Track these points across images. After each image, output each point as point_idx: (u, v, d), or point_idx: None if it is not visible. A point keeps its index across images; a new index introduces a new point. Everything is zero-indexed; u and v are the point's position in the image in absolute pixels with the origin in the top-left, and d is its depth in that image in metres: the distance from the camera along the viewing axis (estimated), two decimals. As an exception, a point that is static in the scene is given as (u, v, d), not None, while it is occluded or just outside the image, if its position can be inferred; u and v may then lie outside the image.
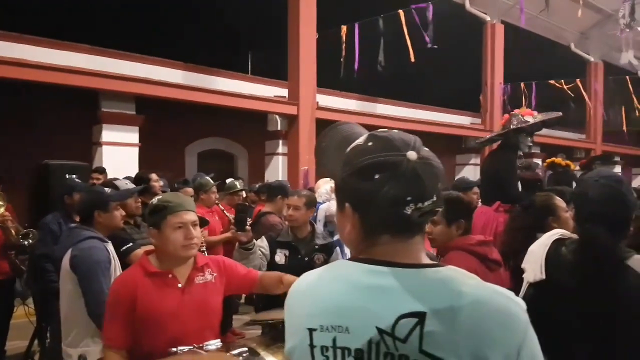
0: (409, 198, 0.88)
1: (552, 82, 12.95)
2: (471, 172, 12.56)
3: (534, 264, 1.73)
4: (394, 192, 0.88)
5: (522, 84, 13.04)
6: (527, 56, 13.57)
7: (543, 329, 1.96)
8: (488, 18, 12.62)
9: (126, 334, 1.87)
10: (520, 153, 3.99)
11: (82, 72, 7.06)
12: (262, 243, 3.05)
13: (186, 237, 1.91)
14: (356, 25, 9.34)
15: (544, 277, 1.68)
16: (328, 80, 10.14)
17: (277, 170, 9.66)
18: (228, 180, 5.37)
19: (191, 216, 1.95)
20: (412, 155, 0.90)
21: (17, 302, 4.32)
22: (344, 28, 9.41)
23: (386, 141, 0.93)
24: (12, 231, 3.81)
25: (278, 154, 9.80)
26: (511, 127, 3.99)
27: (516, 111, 4.14)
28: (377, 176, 0.89)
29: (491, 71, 12.88)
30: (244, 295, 5.22)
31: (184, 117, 8.94)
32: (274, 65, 10.16)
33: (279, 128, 9.43)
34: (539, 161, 11.60)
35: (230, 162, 10.67)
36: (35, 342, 4.09)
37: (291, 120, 9.30)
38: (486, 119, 13.05)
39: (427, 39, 9.07)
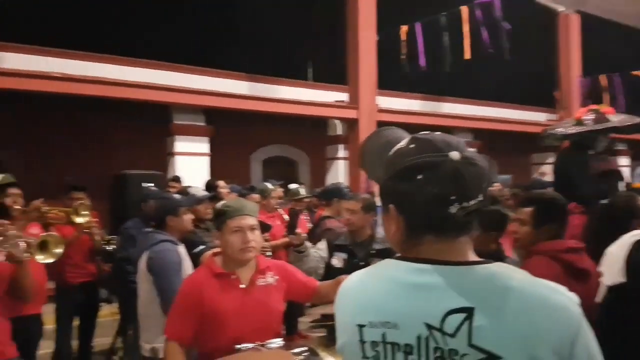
0: (452, 197, 0.90)
1: (636, 73, 12.02)
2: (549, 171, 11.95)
3: (612, 267, 1.64)
4: (436, 191, 0.91)
5: (602, 77, 12.21)
6: (606, 47, 12.71)
7: (622, 334, 1.84)
8: (561, 8, 12.01)
9: (187, 330, 2.01)
10: (593, 152, 3.75)
11: (155, 88, 7.58)
12: (321, 246, 3.12)
13: (243, 241, 2.01)
14: (417, 25, 9.23)
15: (624, 280, 1.60)
16: (389, 81, 10.09)
17: (338, 174, 9.76)
18: (292, 186, 5.52)
19: (249, 221, 2.04)
20: (454, 155, 0.92)
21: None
22: (404, 28, 9.34)
23: (428, 143, 0.96)
24: (98, 237, 4.17)
25: (339, 158, 9.90)
26: (585, 122, 3.79)
27: (595, 106, 3.91)
28: (419, 177, 0.92)
29: (567, 64, 12.22)
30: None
31: (249, 125, 9.30)
32: (335, 69, 10.29)
33: (339, 132, 9.51)
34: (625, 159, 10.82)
35: (293, 168, 10.92)
36: (119, 339, 4.47)
37: (351, 124, 9.36)
38: (563, 115, 12.37)
39: (499, 33, 8.74)
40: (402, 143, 1.00)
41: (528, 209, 2.18)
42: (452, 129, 11.49)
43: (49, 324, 3.97)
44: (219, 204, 2.16)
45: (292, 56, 11.14)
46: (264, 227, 2.26)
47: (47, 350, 4.06)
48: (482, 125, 11.46)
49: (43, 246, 2.53)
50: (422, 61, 9.25)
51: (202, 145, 8.54)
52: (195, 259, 3.12)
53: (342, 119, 9.53)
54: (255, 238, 2.06)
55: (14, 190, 3.54)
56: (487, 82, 12.17)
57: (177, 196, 3.11)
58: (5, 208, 3.08)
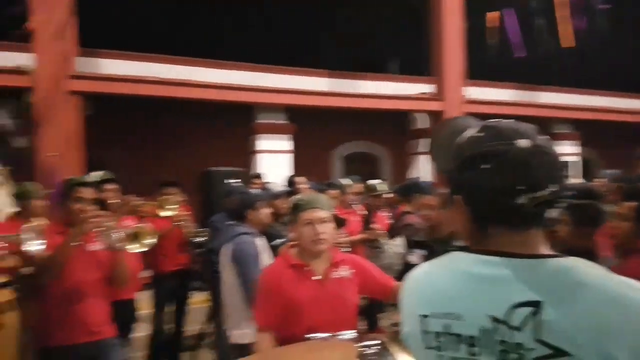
0: (520, 187, 0.86)
1: None
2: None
3: None
4: (502, 181, 0.87)
5: None
6: None
7: None
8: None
9: (274, 317, 2.11)
10: None
11: (239, 89, 7.93)
12: (397, 242, 3.10)
13: (314, 233, 2.08)
14: (508, 11, 8.76)
15: None
16: (479, 71, 9.66)
17: (421, 169, 9.55)
18: (370, 182, 5.51)
19: (320, 214, 2.11)
20: (522, 143, 0.88)
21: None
22: (493, 14, 8.92)
23: (495, 131, 0.93)
24: (188, 229, 4.46)
25: (421, 153, 9.68)
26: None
27: None
28: (484, 166, 0.89)
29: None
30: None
31: (330, 122, 9.41)
32: (421, 61, 10.07)
33: (421, 126, 9.30)
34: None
35: (374, 164, 10.86)
36: (209, 325, 4.74)
37: (436, 117, 9.11)
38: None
39: (596, 16, 8.07)
40: (470, 131, 0.97)
41: (630, 203, 2.01)
42: (549, 120, 10.78)
43: (145, 310, 4.33)
44: (294, 198, 2.24)
45: (375, 50, 11.09)
46: (339, 222, 2.29)
47: (143, 333, 4.42)
48: (582, 115, 10.60)
49: (135, 237, 2.75)
50: (516, 48, 8.77)
51: (284, 143, 8.79)
52: (275, 251, 3.24)
53: (426, 112, 9.31)
54: (327, 231, 2.11)
55: (111, 186, 3.88)
56: (586, 68, 11.24)
57: (256, 192, 3.25)
58: (104, 202, 3.39)
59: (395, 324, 2.38)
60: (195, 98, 7.65)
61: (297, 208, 2.14)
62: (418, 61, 10.23)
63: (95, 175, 3.92)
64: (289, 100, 8.38)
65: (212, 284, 4.47)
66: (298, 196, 2.29)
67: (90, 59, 7.79)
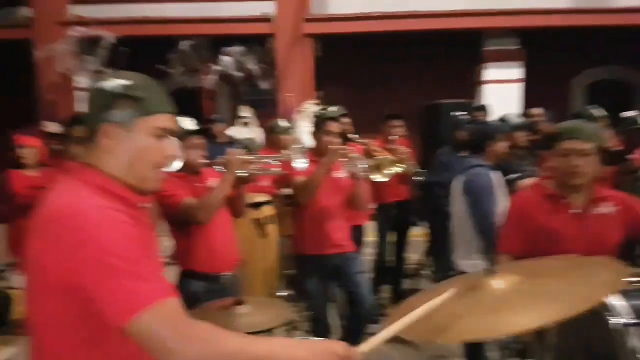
0: None
1: None
2: None
3: None
4: None
5: None
6: None
7: None
8: None
9: (518, 243, 2.13)
10: None
11: (466, 14, 7.52)
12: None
13: (570, 165, 2.02)
14: None
15: None
16: None
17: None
18: (627, 114, 4.76)
19: (580, 145, 2.01)
20: None
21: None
22: None
23: None
24: (409, 163, 4.60)
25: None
26: None
27: None
28: None
29: None
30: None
31: (571, 45, 8.25)
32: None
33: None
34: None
35: (626, 94, 9.23)
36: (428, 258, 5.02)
37: None
38: None
39: None
40: None
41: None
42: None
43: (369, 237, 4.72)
44: (555, 126, 2.17)
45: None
46: (614, 156, 2.16)
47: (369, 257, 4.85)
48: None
49: (377, 167, 2.98)
50: None
51: (514, 71, 8.10)
52: (510, 186, 3.14)
53: None
54: (585, 164, 2.01)
55: (346, 120, 4.21)
56: None
57: (495, 123, 3.15)
58: (345, 135, 3.74)
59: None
60: (421, 29, 7.58)
61: (556, 137, 2.08)
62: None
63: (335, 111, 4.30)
64: (521, 22, 7.62)
65: (431, 217, 4.62)
66: (560, 124, 2.22)
67: (320, 1, 8.33)
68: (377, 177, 2.95)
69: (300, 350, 1.10)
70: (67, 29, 6.97)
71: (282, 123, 4.60)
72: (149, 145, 1.20)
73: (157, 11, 8.32)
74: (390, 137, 4.43)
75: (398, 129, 4.56)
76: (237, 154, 2.55)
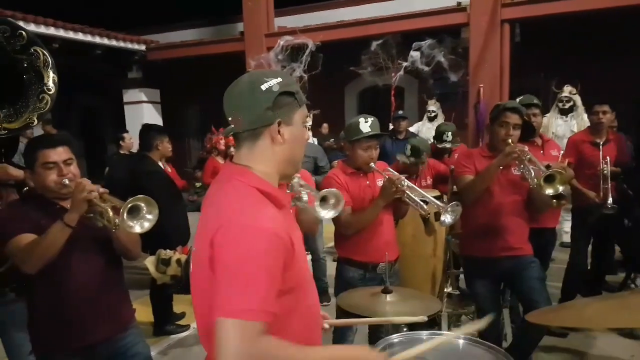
0: None
1: None
2: None
3: None
4: None
5: None
6: None
7: None
8: None
9: None
10: None
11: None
12: None
13: None
14: None
15: None
16: None
17: None
18: None
19: None
20: None
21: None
22: None
23: None
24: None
25: None
26: None
27: None
28: None
29: None
30: None
31: None
32: None
33: None
34: None
35: None
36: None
37: None
38: None
39: None
40: None
41: None
42: None
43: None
44: None
45: None
46: None
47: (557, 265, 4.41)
48: None
49: (550, 179, 2.63)
50: None
51: None
52: None
53: None
54: None
55: (535, 110, 3.86)
56: None
57: None
58: (529, 125, 3.46)
59: None
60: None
61: None
62: None
63: (523, 100, 4.01)
64: None
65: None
66: None
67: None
68: (546, 189, 2.61)
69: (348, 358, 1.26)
70: (273, 39, 7.92)
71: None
72: (303, 132, 1.36)
73: (352, 14, 8.83)
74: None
75: (606, 115, 4.15)
76: (394, 180, 2.63)
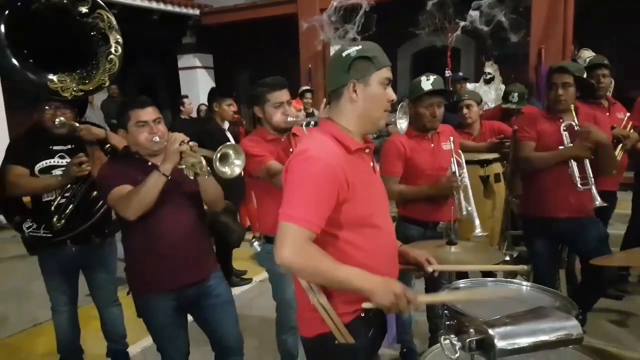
0: None
1: None
2: None
3: None
4: None
5: None
6: None
7: None
8: None
9: None
10: None
11: None
12: None
13: None
14: None
15: None
16: None
17: None
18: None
19: None
20: None
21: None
22: None
23: None
24: None
25: None
26: None
27: None
28: None
29: None
30: None
31: None
32: None
33: None
34: None
35: None
36: None
37: None
38: None
39: None
40: None
41: None
42: None
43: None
44: None
45: None
46: None
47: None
48: None
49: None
50: None
51: None
52: None
53: None
54: None
55: (603, 71, 3.79)
56: None
57: None
58: (592, 86, 3.42)
59: None
60: None
61: None
62: None
63: (593, 60, 3.90)
64: None
65: None
66: None
67: None
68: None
69: (365, 282, 1.41)
70: (327, 0, 7.91)
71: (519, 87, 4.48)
72: (381, 93, 1.54)
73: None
74: None
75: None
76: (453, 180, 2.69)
